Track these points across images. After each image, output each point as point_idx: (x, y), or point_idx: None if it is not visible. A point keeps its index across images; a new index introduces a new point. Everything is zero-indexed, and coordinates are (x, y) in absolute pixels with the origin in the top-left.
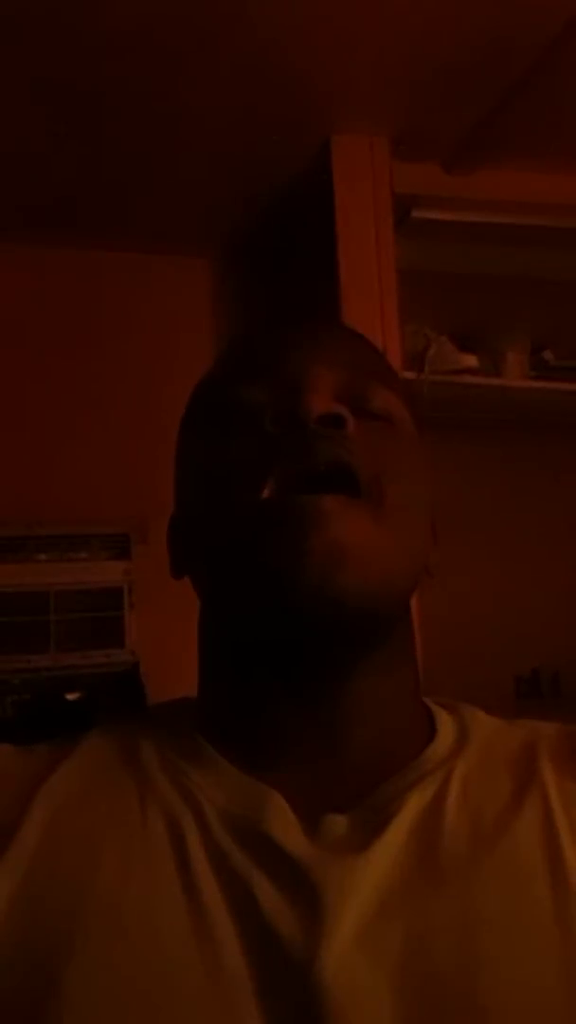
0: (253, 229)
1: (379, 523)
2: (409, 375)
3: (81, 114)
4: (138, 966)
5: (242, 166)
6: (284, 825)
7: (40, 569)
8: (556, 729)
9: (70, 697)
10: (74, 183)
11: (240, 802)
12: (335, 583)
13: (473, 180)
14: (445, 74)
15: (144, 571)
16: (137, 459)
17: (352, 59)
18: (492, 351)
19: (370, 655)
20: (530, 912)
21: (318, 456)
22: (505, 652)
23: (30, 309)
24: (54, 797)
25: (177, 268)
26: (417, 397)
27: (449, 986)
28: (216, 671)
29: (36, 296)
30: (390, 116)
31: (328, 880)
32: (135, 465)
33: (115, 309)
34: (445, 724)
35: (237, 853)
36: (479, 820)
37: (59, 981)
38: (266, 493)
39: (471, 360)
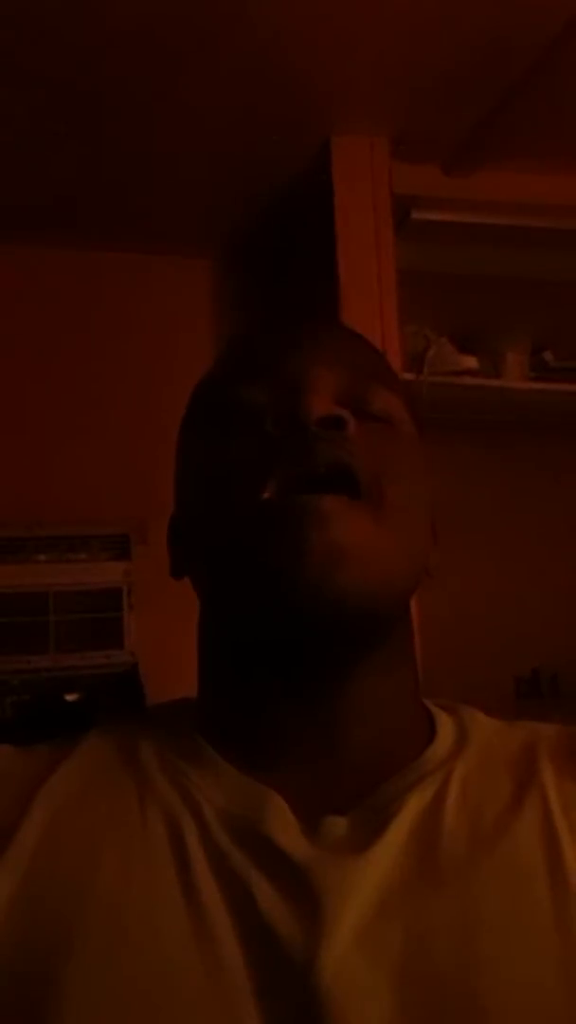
0: (253, 229)
1: (379, 524)
2: (409, 376)
3: (81, 114)
4: (138, 966)
5: (242, 166)
6: (283, 826)
7: (40, 570)
8: (556, 730)
9: (69, 698)
10: (74, 183)
11: (240, 802)
12: (335, 583)
13: (473, 181)
14: (445, 75)
15: (144, 572)
16: (137, 460)
17: (352, 59)
18: (492, 352)
19: (370, 655)
20: (530, 913)
21: (318, 458)
22: (505, 652)
23: (30, 309)
24: (54, 798)
25: (177, 268)
26: (417, 398)
27: (449, 987)
28: (216, 671)
29: (36, 296)
30: (390, 117)
31: (328, 881)
32: (135, 466)
33: (115, 309)
34: (445, 725)
35: (236, 853)
36: (479, 821)
37: (59, 981)
38: (266, 494)
39: (471, 361)
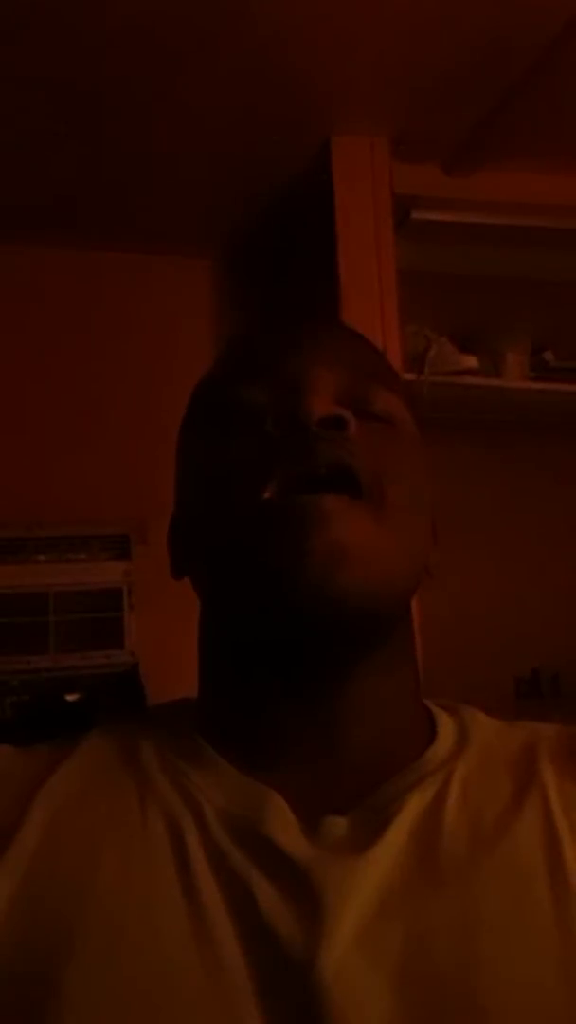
0: (253, 229)
1: (380, 524)
2: (409, 376)
3: (81, 114)
4: (138, 966)
5: (242, 166)
6: (284, 826)
7: (40, 570)
8: (556, 730)
9: (70, 698)
10: (74, 183)
11: (240, 803)
12: (336, 583)
13: (473, 181)
14: (445, 75)
15: (144, 572)
16: (137, 460)
17: (352, 59)
18: (492, 352)
19: (370, 655)
20: (530, 913)
21: (319, 458)
22: (505, 652)
23: (30, 309)
24: (54, 798)
25: (177, 268)
26: (417, 398)
27: (449, 987)
28: (216, 672)
29: (36, 296)
30: (390, 117)
31: (328, 881)
32: (135, 466)
33: (115, 309)
34: (445, 725)
35: (237, 853)
36: (479, 821)
37: (59, 981)
38: (267, 494)
39: (471, 361)
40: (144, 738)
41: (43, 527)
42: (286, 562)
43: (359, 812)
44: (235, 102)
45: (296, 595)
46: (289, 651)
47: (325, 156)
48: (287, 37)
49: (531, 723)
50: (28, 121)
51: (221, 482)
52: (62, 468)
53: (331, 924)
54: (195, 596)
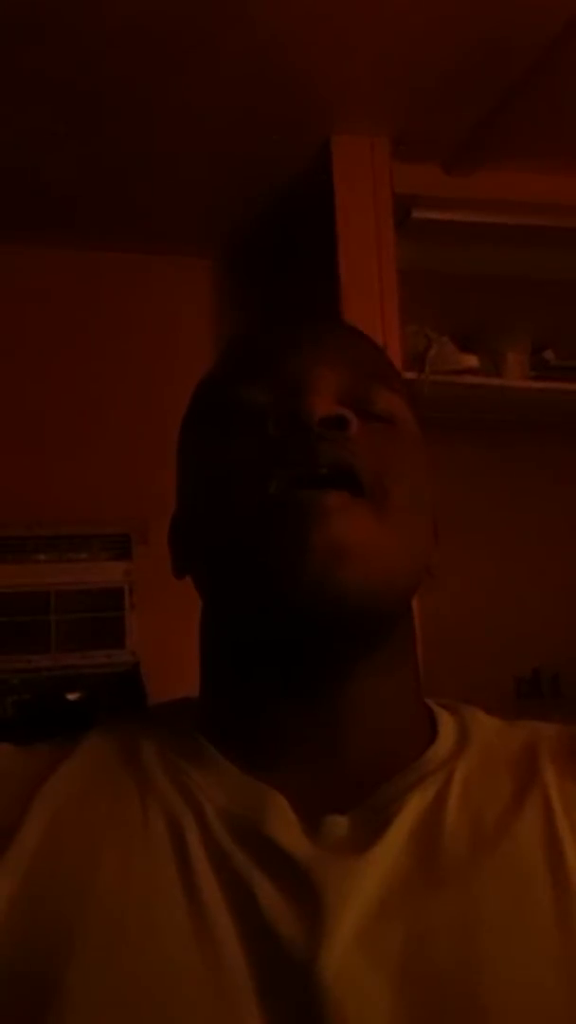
0: (253, 229)
1: (381, 522)
2: (410, 375)
3: (81, 114)
4: (139, 966)
5: (242, 166)
6: (285, 825)
7: (40, 569)
8: (557, 730)
9: (71, 697)
10: (74, 183)
11: (241, 802)
12: (336, 579)
13: (473, 180)
14: (445, 74)
15: (145, 571)
16: (137, 459)
17: (352, 59)
18: (493, 351)
19: (371, 655)
20: (531, 913)
21: (320, 458)
22: (505, 652)
23: (30, 309)
24: (55, 797)
25: (177, 268)
26: (418, 397)
27: (449, 987)
28: (217, 671)
29: (36, 296)
30: (390, 116)
31: (329, 881)
32: (135, 465)
33: (115, 309)
34: (446, 725)
35: (238, 853)
36: (480, 821)
37: (60, 981)
38: (268, 491)
39: (472, 360)
40: (145, 737)
41: (43, 527)
42: (287, 559)
43: (360, 811)
44: (235, 102)
45: (296, 592)
46: (290, 650)
47: (325, 156)
48: (287, 37)
49: (532, 723)
50: (28, 121)
51: (222, 482)
52: (62, 468)
53: (332, 924)
54: (196, 595)
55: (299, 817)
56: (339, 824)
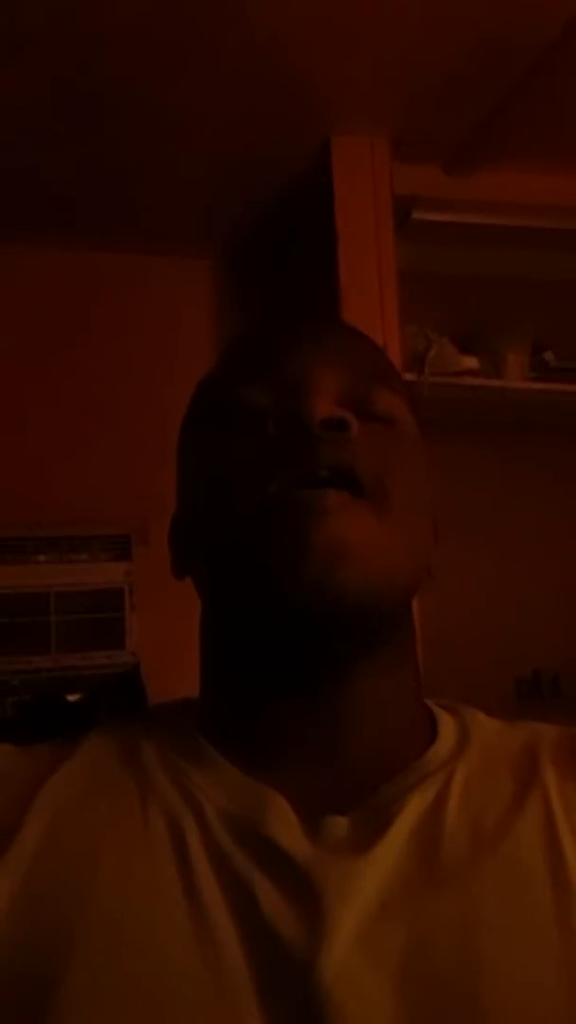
0: (253, 229)
1: (382, 522)
2: (409, 376)
3: (81, 114)
4: (139, 966)
5: (242, 166)
6: (285, 826)
7: (40, 570)
8: (557, 731)
9: (71, 698)
10: (74, 183)
11: (241, 802)
12: (336, 579)
13: (473, 181)
14: (445, 75)
15: (145, 572)
16: (137, 460)
17: (352, 59)
18: (492, 352)
19: (371, 655)
20: (531, 914)
21: (320, 460)
22: (505, 653)
23: (30, 309)
24: (55, 798)
25: (177, 268)
26: (418, 398)
27: (450, 987)
28: (217, 671)
29: (36, 297)
30: (390, 117)
31: (329, 881)
32: (135, 466)
33: (115, 309)
34: (446, 725)
35: (238, 854)
36: (480, 822)
37: (60, 981)
38: (268, 491)
39: (471, 361)
40: (145, 738)
41: (43, 527)
42: (287, 559)
43: (360, 812)
44: (235, 102)
45: (296, 592)
46: (290, 650)
47: (325, 156)
48: (287, 37)
49: (532, 723)
50: (28, 121)
51: (222, 482)
52: (62, 468)
53: (332, 925)
54: (196, 596)
55: (299, 817)
56: (339, 824)
